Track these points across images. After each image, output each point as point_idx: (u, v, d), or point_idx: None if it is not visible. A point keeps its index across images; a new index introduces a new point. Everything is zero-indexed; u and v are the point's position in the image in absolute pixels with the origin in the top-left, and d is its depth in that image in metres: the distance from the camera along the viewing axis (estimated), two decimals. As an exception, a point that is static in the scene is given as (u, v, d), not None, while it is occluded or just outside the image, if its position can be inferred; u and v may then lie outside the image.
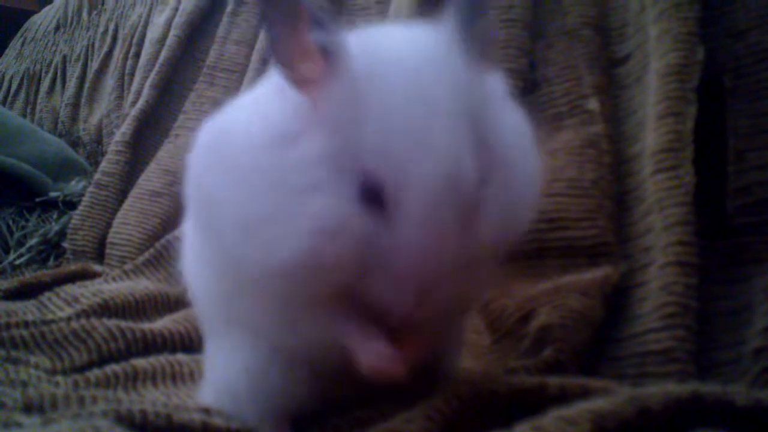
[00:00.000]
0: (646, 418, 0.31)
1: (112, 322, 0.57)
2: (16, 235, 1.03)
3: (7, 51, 2.19)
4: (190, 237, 0.44)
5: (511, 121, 0.37)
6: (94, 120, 1.48)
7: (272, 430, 0.41)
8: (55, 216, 1.08)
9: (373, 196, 0.31)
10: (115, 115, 1.33)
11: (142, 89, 1.12)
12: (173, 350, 0.57)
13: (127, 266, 0.76)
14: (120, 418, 0.36)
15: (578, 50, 0.60)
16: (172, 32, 1.13)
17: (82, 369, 0.52)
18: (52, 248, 0.99)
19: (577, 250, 0.53)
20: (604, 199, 0.53)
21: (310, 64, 0.32)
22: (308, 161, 0.32)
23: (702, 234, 0.47)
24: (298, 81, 0.33)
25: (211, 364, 0.44)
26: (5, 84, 2.03)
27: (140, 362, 0.51)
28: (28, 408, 0.38)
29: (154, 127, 1.07)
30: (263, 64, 0.95)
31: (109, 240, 0.92)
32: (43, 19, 2.06)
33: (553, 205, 0.55)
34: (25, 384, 0.44)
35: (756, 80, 0.51)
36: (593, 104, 0.57)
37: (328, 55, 0.32)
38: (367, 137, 0.31)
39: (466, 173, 0.31)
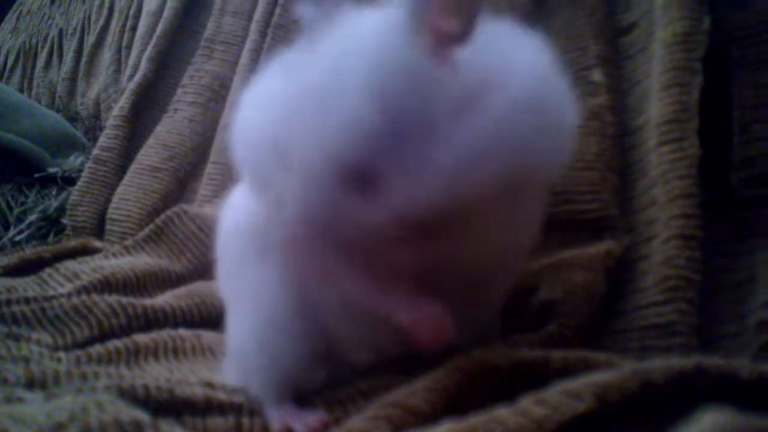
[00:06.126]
0: (649, 392, 0.31)
1: (113, 298, 0.57)
2: (16, 211, 1.02)
3: (2, 25, 2.17)
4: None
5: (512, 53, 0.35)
6: (92, 94, 1.47)
7: (275, 403, 0.41)
8: (54, 192, 1.07)
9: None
10: (112, 90, 1.31)
11: (140, 63, 1.10)
12: (175, 326, 0.57)
13: (128, 242, 0.76)
14: (122, 393, 0.36)
15: (583, 19, 0.59)
16: (169, 4, 1.11)
17: (83, 345, 0.52)
18: (51, 224, 0.99)
19: (580, 223, 0.53)
20: (607, 172, 0.53)
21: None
22: None
23: (706, 206, 0.46)
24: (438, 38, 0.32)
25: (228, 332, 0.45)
26: (1, 58, 2.01)
27: (142, 338, 0.52)
28: (30, 384, 0.38)
29: (153, 101, 1.06)
30: (262, 37, 0.94)
31: (108, 216, 0.92)
32: (38, -9, 2.03)
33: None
34: (27, 360, 0.44)
35: (763, 50, 0.50)
36: (597, 75, 0.56)
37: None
38: None
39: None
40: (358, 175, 0.31)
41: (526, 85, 0.33)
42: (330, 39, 0.33)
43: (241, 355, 0.43)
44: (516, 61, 0.34)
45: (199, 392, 0.39)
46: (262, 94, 0.37)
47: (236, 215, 0.44)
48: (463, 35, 0.32)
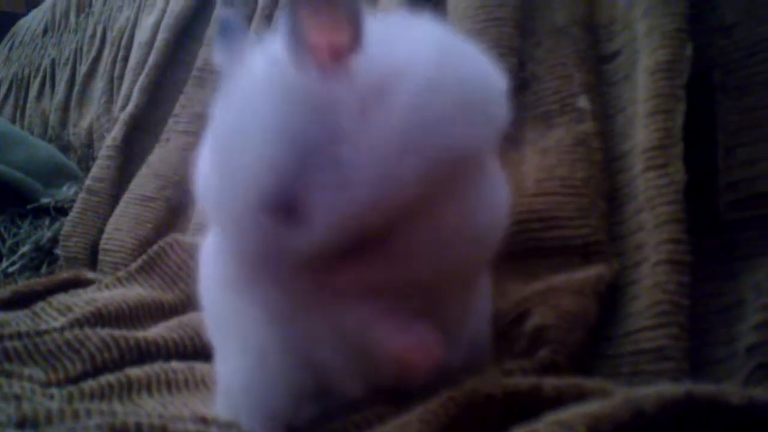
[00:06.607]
0: (641, 420, 0.31)
1: (105, 332, 0.56)
2: (8, 242, 1.02)
3: (-5, 55, 2.18)
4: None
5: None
6: (84, 124, 1.47)
7: None
8: (47, 222, 1.07)
9: None
10: (105, 120, 1.32)
11: (132, 93, 1.11)
12: (167, 358, 0.57)
13: (120, 273, 0.76)
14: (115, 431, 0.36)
15: (567, 48, 0.60)
16: (160, 35, 1.12)
17: (76, 380, 0.51)
18: (44, 255, 0.99)
19: (570, 249, 0.53)
20: (595, 198, 0.53)
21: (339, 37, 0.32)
22: None
23: (693, 231, 0.47)
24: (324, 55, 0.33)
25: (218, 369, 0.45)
26: (-6, 89, 2.01)
27: (135, 371, 0.51)
28: (22, 424, 0.38)
29: (145, 131, 1.07)
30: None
31: (101, 246, 0.92)
32: (31, 22, 2.05)
33: (545, 204, 0.55)
34: (18, 398, 0.44)
35: (744, 75, 0.51)
36: (583, 102, 0.57)
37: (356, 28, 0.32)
38: None
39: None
40: (281, 206, 0.33)
41: (425, 67, 0.34)
42: (233, 82, 0.35)
43: (229, 392, 0.43)
44: (412, 47, 0.35)
45: (191, 429, 0.39)
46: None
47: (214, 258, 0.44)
48: (352, 44, 0.33)
